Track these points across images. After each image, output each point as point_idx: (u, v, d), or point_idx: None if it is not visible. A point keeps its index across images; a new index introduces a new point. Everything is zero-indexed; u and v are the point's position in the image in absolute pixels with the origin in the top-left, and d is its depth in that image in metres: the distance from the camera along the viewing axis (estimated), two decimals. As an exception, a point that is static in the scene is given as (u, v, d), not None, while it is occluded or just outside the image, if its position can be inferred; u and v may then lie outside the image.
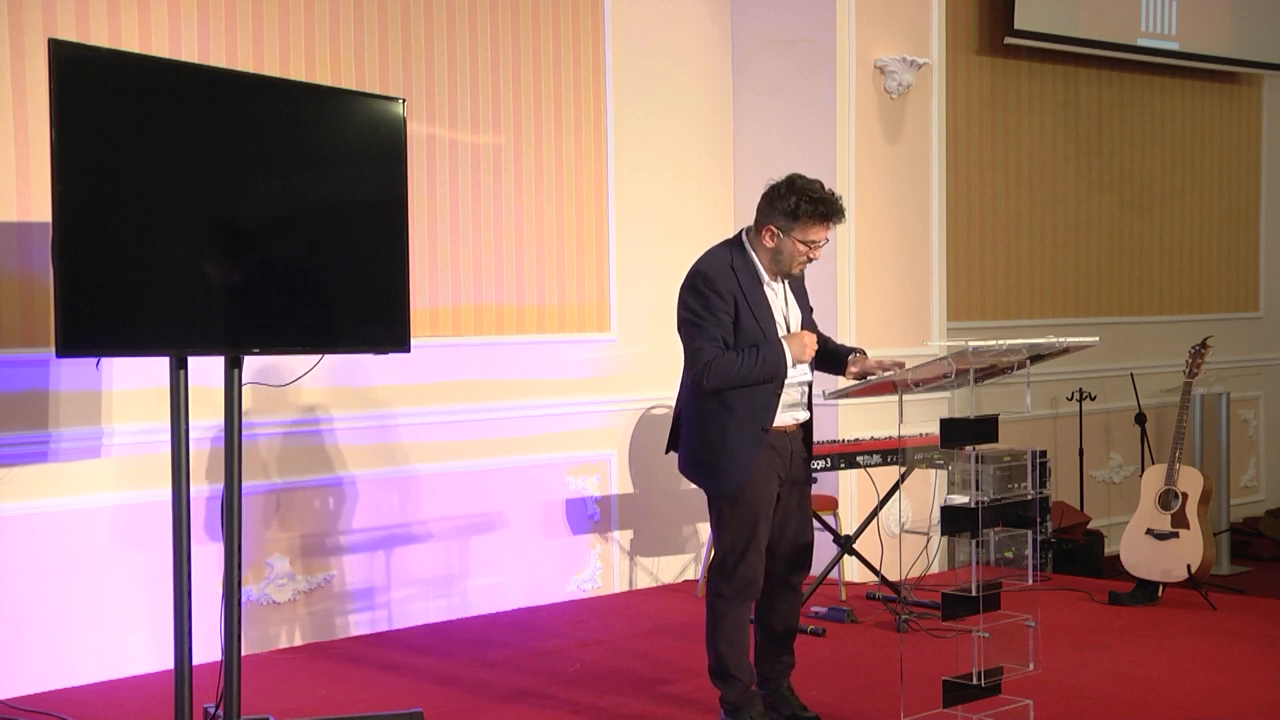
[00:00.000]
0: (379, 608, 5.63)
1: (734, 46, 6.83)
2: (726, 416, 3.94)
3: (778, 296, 4.06)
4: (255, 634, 5.24)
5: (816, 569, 5.93)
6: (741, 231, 4.12)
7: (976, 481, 3.92)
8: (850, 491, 6.41)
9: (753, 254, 4.03)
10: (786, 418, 4.03)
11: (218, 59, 5.09)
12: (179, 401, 3.78)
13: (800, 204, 3.89)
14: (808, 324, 4.14)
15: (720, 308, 3.91)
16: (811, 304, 4.26)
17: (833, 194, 3.95)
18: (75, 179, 3.53)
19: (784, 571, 4.13)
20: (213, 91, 3.86)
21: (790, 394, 4.02)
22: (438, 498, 5.80)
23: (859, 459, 5.66)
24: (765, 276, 4.03)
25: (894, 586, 5.88)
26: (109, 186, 3.60)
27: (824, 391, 4.73)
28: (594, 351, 6.32)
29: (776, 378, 3.91)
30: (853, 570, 6.26)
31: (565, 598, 6.18)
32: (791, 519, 4.11)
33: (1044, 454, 7.31)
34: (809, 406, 4.14)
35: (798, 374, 4.03)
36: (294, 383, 4.73)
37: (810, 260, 4.00)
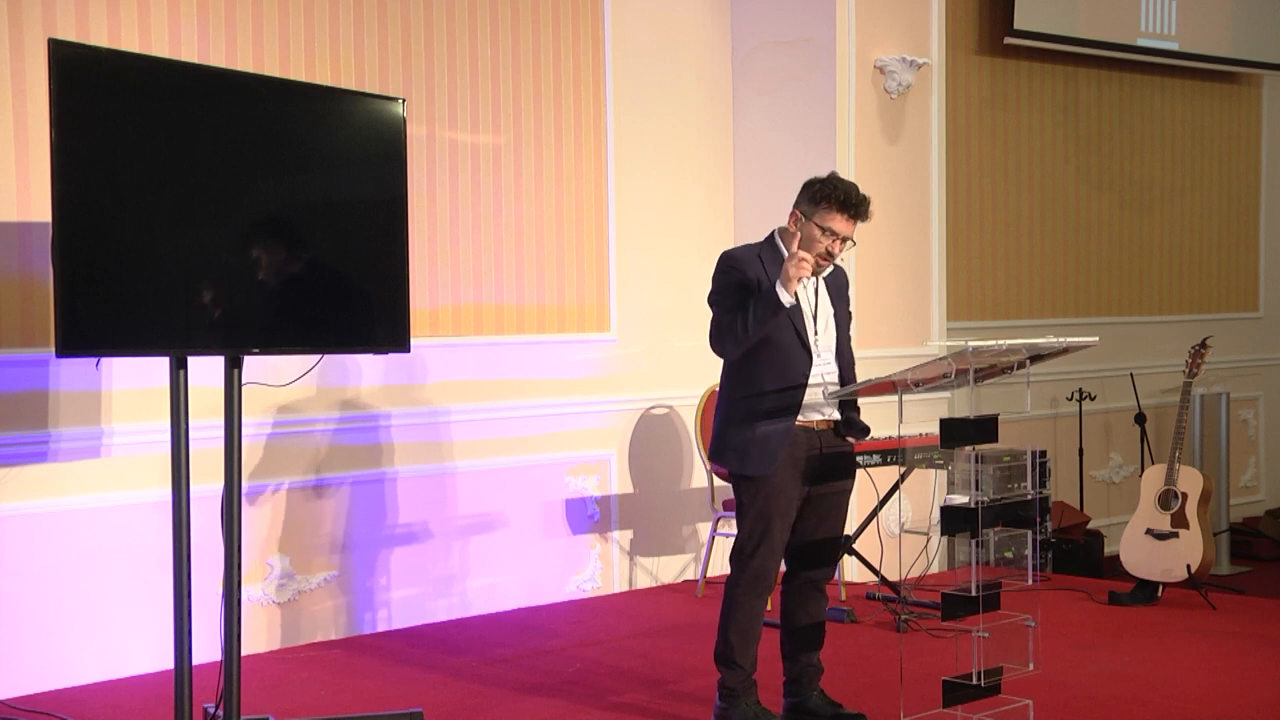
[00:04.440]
0: (379, 607, 5.63)
1: (734, 46, 6.83)
2: (759, 403, 4.03)
3: (806, 290, 4.11)
4: (256, 634, 5.25)
5: (816, 569, 5.94)
6: (773, 231, 4.20)
7: (976, 481, 3.92)
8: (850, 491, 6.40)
9: (782, 247, 4.10)
10: (812, 415, 4.08)
11: (218, 59, 5.09)
12: (179, 401, 3.78)
13: (825, 189, 4.02)
14: (842, 326, 4.21)
15: (740, 282, 4.02)
16: (851, 310, 4.33)
17: (863, 194, 4.08)
18: (75, 179, 3.53)
19: (803, 567, 4.20)
20: (213, 91, 3.86)
21: (813, 391, 4.07)
22: (438, 498, 5.80)
23: (859, 459, 5.64)
24: None
25: (894, 586, 5.87)
26: (109, 186, 3.60)
27: (823, 391, 4.72)
28: (594, 351, 6.32)
29: (778, 310, 3.91)
30: (853, 570, 6.26)
31: (565, 598, 6.18)
32: (822, 521, 4.18)
33: (1044, 454, 7.31)
34: (842, 406, 4.16)
35: (820, 371, 4.09)
36: (294, 383, 4.72)
37: (830, 255, 4.04)
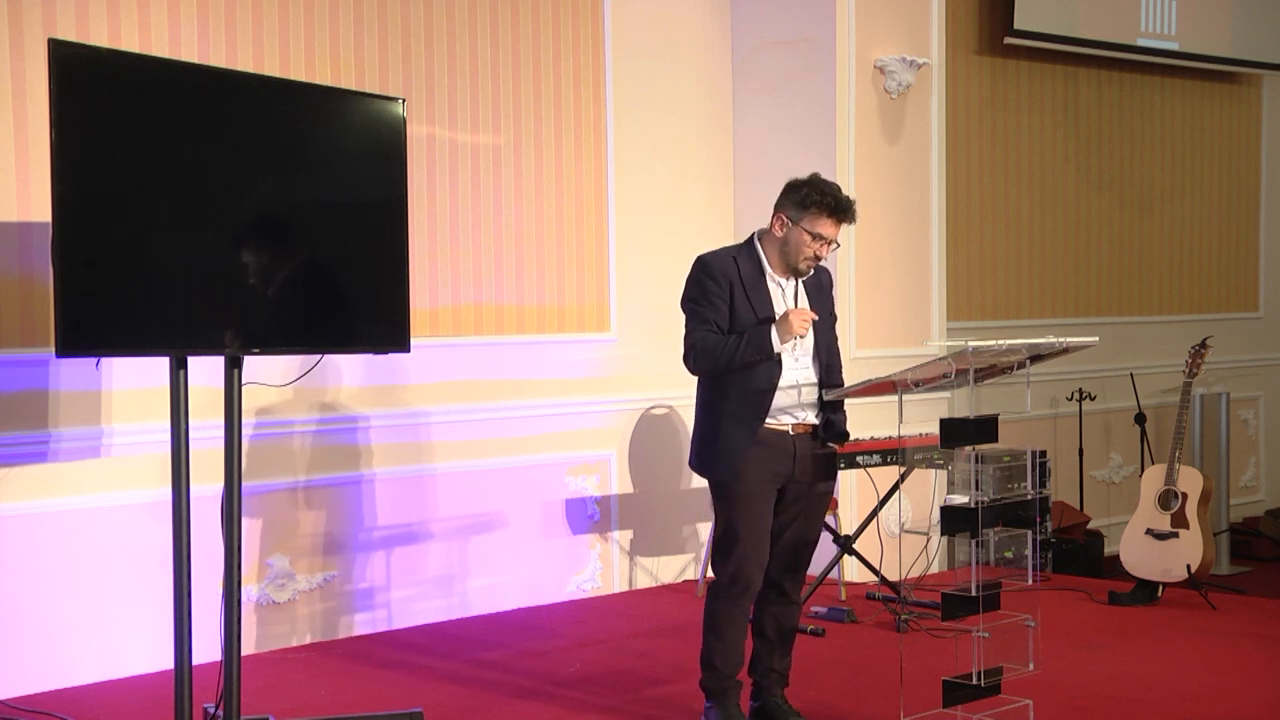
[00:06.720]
0: (379, 608, 5.63)
1: (734, 46, 6.83)
2: (723, 407, 4.01)
3: (785, 293, 4.08)
4: (255, 634, 5.25)
5: (817, 569, 5.94)
6: (754, 233, 4.15)
7: (976, 481, 3.92)
8: (850, 491, 6.41)
9: (760, 249, 4.08)
10: (784, 418, 4.01)
11: (218, 59, 5.09)
12: (179, 401, 3.78)
13: (812, 194, 3.96)
14: (824, 332, 4.11)
15: (715, 293, 3.99)
16: (836, 313, 4.25)
17: (847, 196, 4.02)
18: (75, 179, 3.53)
19: (776, 574, 4.13)
20: (213, 91, 3.86)
21: (786, 395, 4.00)
22: (438, 498, 5.80)
23: (859, 459, 5.66)
24: (770, 270, 4.05)
25: (894, 586, 5.88)
26: (109, 186, 3.60)
27: (823, 391, 4.72)
28: (594, 351, 6.32)
29: (762, 356, 3.92)
30: (852, 570, 6.26)
31: (565, 598, 6.18)
32: (793, 522, 4.10)
33: (1044, 454, 7.31)
34: (824, 410, 4.08)
35: (795, 376, 4.02)
36: (294, 383, 4.73)
37: (817, 258, 4.01)
